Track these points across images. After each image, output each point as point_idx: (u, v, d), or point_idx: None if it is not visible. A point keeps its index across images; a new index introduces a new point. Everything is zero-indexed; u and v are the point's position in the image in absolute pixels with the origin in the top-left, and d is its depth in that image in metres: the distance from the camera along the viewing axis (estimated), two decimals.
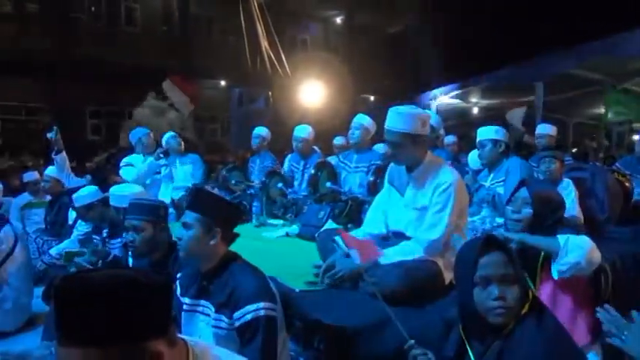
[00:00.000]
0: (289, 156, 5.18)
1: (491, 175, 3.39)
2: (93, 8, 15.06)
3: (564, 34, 8.56)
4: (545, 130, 4.75)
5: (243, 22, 9.47)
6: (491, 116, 9.35)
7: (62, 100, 13.20)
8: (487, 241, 1.41)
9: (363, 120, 4.09)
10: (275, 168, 4.86)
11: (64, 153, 4.62)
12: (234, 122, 12.38)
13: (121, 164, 5.20)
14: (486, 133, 3.38)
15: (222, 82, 16.08)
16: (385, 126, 2.34)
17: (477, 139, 3.42)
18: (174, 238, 2.70)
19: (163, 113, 9.27)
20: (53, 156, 4.71)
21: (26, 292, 3.28)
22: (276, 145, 4.96)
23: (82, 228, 4.06)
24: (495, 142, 3.33)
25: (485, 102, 10.34)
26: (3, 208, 5.12)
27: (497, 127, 3.44)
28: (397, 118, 2.29)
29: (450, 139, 5.94)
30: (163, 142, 5.41)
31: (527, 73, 7.48)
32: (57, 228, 4.67)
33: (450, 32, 14.38)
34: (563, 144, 8.19)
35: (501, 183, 3.29)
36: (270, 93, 11.49)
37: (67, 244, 4.04)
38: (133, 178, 4.88)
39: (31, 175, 5.36)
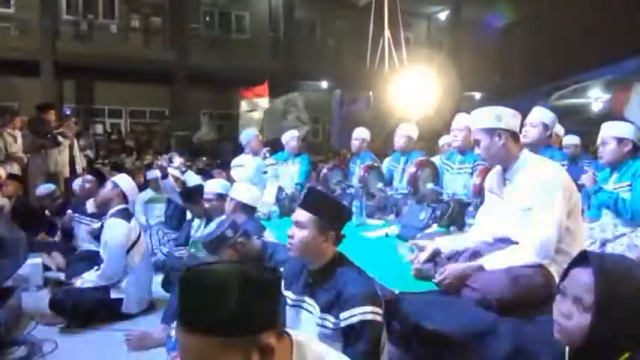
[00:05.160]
0: (390, 157, 5.15)
1: (615, 177, 3.05)
2: (207, 18, 16.21)
3: None
4: None
5: (372, 12, 9.60)
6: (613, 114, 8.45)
7: (180, 104, 14.37)
8: (580, 256, 1.23)
9: (465, 120, 3.92)
10: (374, 163, 4.84)
11: (170, 178, 4.67)
12: (335, 123, 12.53)
13: (232, 164, 5.52)
14: (611, 129, 3.05)
15: (324, 84, 16.41)
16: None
17: (599, 136, 3.09)
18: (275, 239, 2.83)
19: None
20: (161, 180, 4.75)
21: (147, 279, 3.60)
22: (377, 145, 4.92)
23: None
24: (620, 140, 2.99)
25: (607, 97, 9.39)
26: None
27: (625, 124, 3.10)
28: (474, 117, 2.40)
29: (570, 139, 5.45)
30: (283, 141, 5.50)
31: None
32: (175, 222, 5.10)
33: (565, 20, 13.21)
34: None
35: (627, 187, 2.94)
36: (370, 93, 11.45)
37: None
38: (243, 178, 5.16)
39: (153, 173, 5.81)
